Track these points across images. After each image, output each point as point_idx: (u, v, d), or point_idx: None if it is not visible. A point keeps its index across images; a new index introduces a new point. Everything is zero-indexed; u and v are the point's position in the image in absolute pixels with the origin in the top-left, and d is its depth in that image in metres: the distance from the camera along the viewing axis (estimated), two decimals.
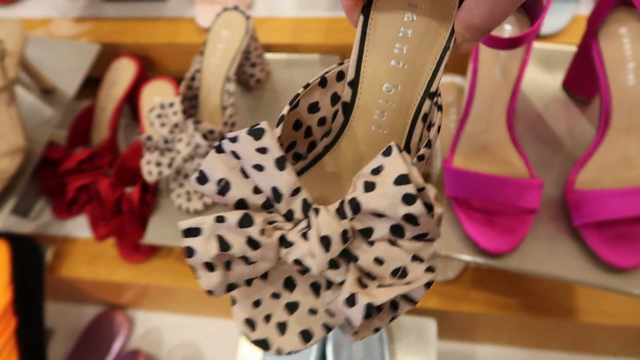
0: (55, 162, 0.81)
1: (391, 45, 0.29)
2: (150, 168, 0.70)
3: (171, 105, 0.69)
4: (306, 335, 0.23)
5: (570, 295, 0.67)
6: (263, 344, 0.23)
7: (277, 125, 0.25)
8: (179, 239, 0.70)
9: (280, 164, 0.22)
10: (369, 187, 0.22)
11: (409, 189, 0.21)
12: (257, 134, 0.22)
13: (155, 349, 0.82)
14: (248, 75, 0.77)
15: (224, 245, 0.22)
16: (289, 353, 0.23)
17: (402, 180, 0.21)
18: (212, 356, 0.81)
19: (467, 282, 0.69)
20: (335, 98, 0.29)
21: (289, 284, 0.24)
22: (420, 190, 0.22)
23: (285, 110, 0.26)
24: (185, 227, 0.23)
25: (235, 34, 0.71)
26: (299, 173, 0.29)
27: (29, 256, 0.74)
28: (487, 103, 0.60)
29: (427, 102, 0.28)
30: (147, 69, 0.92)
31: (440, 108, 0.27)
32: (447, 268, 0.68)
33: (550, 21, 0.75)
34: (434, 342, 0.62)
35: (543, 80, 0.69)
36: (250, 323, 0.23)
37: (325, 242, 0.22)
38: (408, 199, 0.21)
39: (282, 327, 0.23)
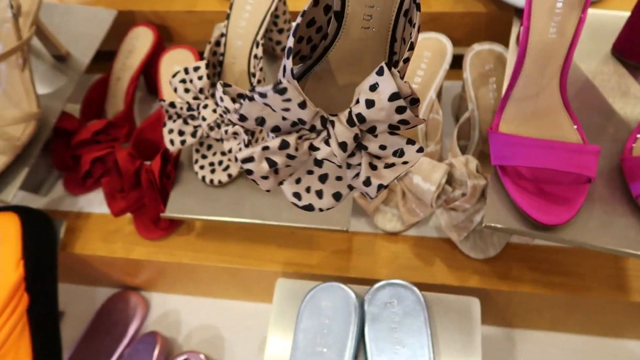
0: (68, 133, 0.77)
1: None
2: (172, 137, 0.65)
3: (196, 69, 0.65)
4: (337, 196, 0.32)
5: (619, 275, 0.63)
6: (309, 207, 0.32)
7: (288, 58, 0.31)
8: (201, 213, 0.66)
9: (302, 106, 0.29)
10: (369, 103, 0.29)
11: (400, 102, 0.28)
12: (281, 92, 0.28)
13: (173, 332, 0.78)
14: (274, 42, 0.73)
15: (271, 163, 0.30)
16: (328, 209, 0.32)
17: (394, 97, 0.28)
18: (234, 339, 0.76)
19: (509, 260, 0.65)
20: (327, 8, 0.36)
21: (318, 163, 0.32)
22: (408, 96, 0.28)
23: (290, 42, 0.32)
24: (242, 157, 0.30)
25: None
26: (308, 70, 0.36)
27: (41, 230, 0.69)
28: (540, 64, 0.55)
29: (407, 0, 0.35)
30: (165, 39, 0.87)
31: (418, 7, 0.32)
32: (487, 245, 0.64)
33: None
34: (477, 321, 0.58)
35: (591, 46, 0.65)
36: (297, 195, 0.32)
37: (343, 145, 0.30)
38: (400, 110, 0.28)
39: (319, 194, 0.32)
